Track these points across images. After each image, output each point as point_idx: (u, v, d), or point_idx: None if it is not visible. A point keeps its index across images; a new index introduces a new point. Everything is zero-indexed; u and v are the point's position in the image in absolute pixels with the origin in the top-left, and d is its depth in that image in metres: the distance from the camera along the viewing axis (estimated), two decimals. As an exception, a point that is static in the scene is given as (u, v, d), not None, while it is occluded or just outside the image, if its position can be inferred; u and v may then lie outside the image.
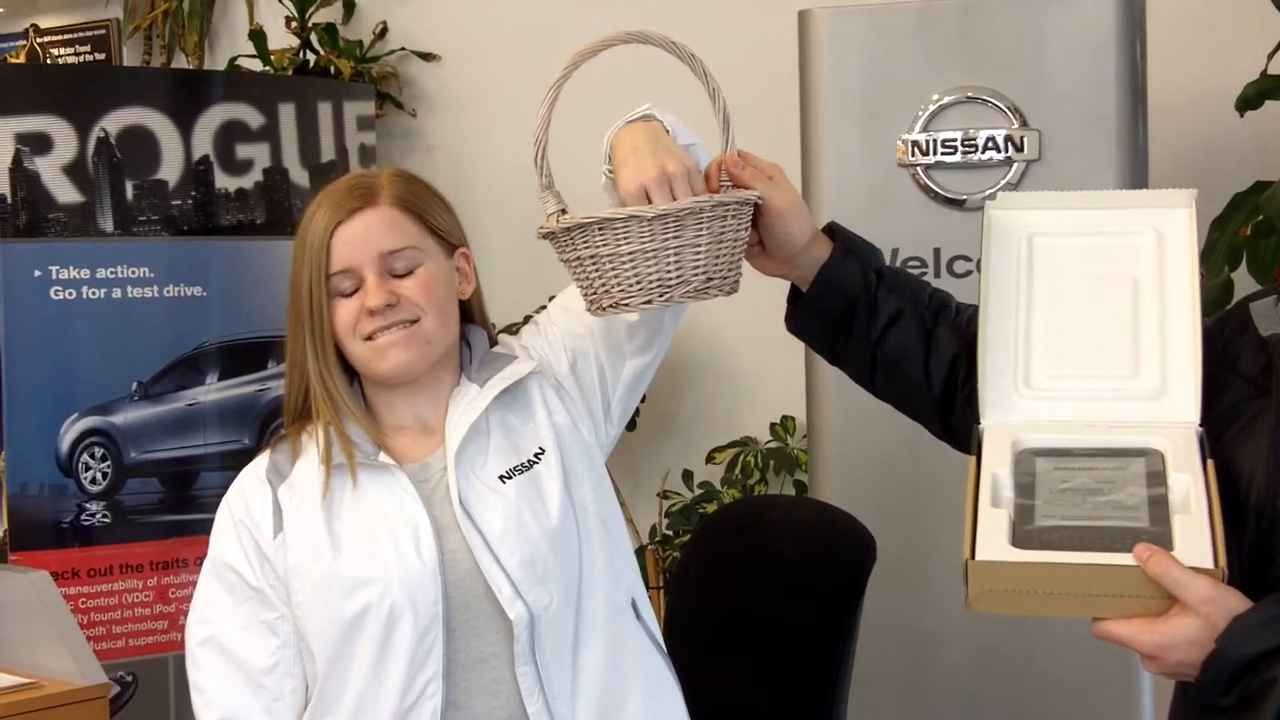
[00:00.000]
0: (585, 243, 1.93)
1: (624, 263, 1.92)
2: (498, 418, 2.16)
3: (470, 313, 2.25)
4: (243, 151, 4.24)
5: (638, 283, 1.93)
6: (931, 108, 3.47)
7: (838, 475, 3.58)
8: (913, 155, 3.50)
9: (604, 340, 2.21)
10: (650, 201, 1.93)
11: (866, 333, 2.03)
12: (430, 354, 2.14)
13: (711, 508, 4.36)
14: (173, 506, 4.16)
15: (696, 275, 1.93)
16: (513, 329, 4.53)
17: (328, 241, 2.08)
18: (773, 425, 4.51)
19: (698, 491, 4.55)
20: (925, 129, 3.48)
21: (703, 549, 3.06)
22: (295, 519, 2.12)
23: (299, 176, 4.32)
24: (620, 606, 2.18)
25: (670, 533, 4.54)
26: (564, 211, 1.99)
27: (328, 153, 4.41)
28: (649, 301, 1.94)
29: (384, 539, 2.08)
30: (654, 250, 1.91)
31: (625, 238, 1.91)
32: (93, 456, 4.08)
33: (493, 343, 2.25)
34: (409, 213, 2.15)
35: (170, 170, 4.13)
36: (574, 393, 2.21)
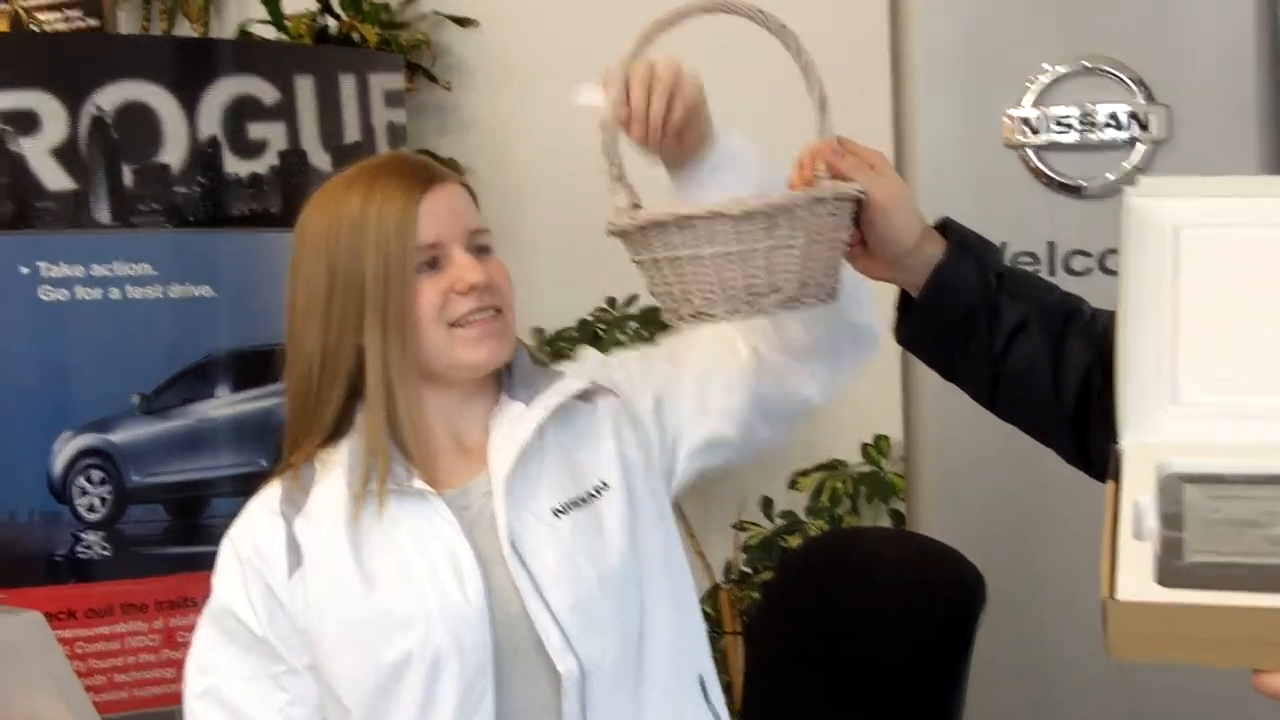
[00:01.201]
0: (662, 243, 1.92)
1: (706, 266, 1.90)
2: (553, 441, 2.15)
3: None
4: (255, 131, 4.23)
5: (722, 289, 1.91)
6: (1043, 80, 3.46)
7: (940, 504, 3.58)
8: (1022, 134, 3.50)
9: (695, 388, 2.20)
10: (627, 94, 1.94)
11: (988, 344, 2.03)
12: (509, 351, 2.15)
13: (795, 541, 4.36)
14: (180, 537, 4.15)
15: (790, 281, 1.91)
16: (563, 335, 4.56)
17: (414, 212, 2.07)
18: (865, 446, 4.49)
19: (779, 522, 4.53)
20: (1036, 104, 3.48)
21: (786, 589, 3.08)
22: (316, 553, 2.10)
23: (320, 159, 4.30)
24: (686, 679, 2.17)
25: (748, 570, 4.51)
26: (637, 206, 1.97)
27: (352, 132, 4.39)
28: (735, 311, 1.92)
29: (422, 574, 2.06)
30: (741, 253, 1.88)
31: (708, 238, 1.88)
32: (89, 480, 4.07)
33: (534, 359, 2.24)
34: (471, 194, 2.17)
35: (173, 153, 4.12)
36: (653, 435, 2.21)
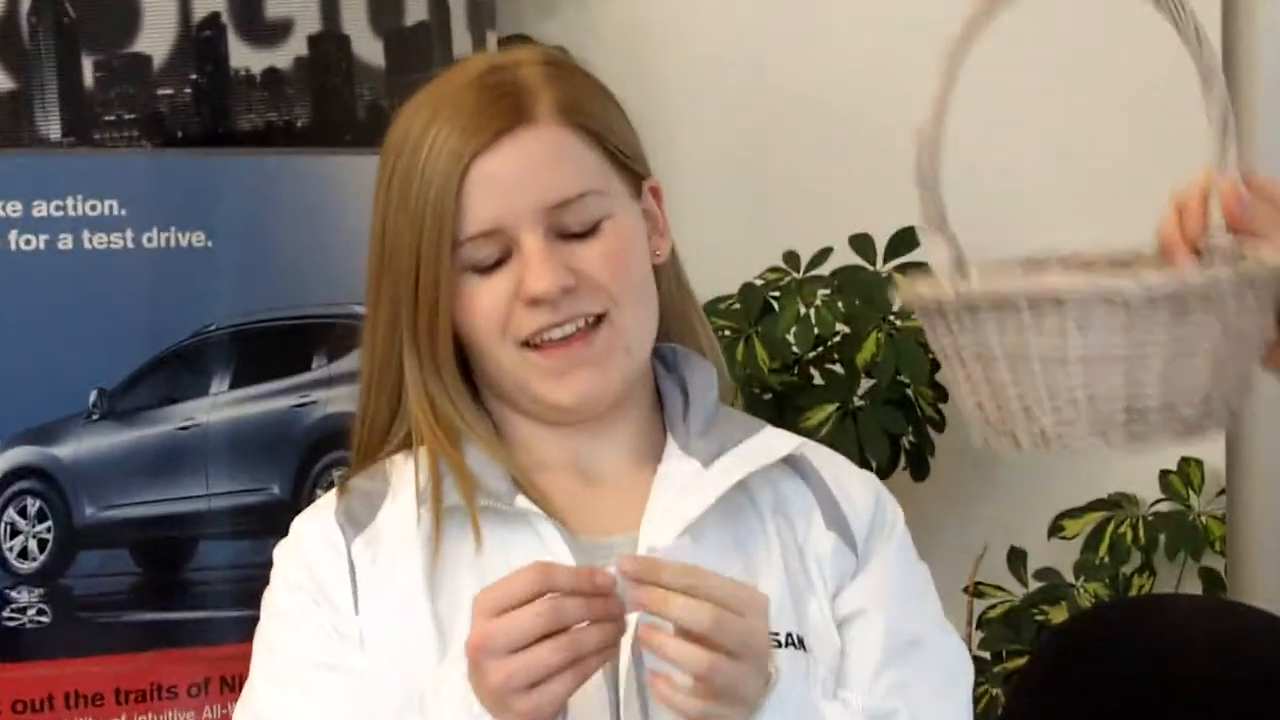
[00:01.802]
0: (1000, 328, 1.81)
1: (1073, 370, 1.81)
2: (728, 531, 2.11)
3: (663, 290, 2.19)
4: (275, 8, 4.06)
5: (1090, 402, 1.80)
6: None
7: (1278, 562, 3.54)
8: None
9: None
10: None
11: None
12: (631, 368, 2.14)
13: (1059, 614, 4.23)
14: (153, 598, 3.88)
15: (1190, 399, 1.81)
16: (721, 304, 4.48)
17: (458, 185, 2.06)
18: (1164, 475, 4.31)
19: (1035, 585, 4.38)
20: None
21: (1047, 681, 3.12)
22: (377, 590, 2.09)
23: (367, 49, 4.10)
24: None
25: (986, 654, 4.33)
26: (961, 265, 1.87)
27: (416, 11, 4.16)
28: (1101, 435, 1.81)
29: None
30: (1129, 356, 1.80)
31: (1081, 329, 1.77)
32: (22, 513, 3.84)
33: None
34: (584, 132, 2.12)
35: (156, 39, 3.93)
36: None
